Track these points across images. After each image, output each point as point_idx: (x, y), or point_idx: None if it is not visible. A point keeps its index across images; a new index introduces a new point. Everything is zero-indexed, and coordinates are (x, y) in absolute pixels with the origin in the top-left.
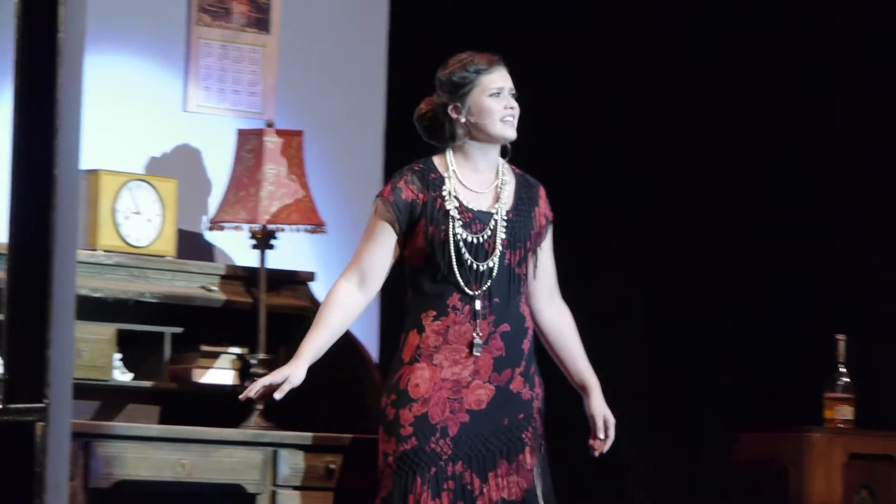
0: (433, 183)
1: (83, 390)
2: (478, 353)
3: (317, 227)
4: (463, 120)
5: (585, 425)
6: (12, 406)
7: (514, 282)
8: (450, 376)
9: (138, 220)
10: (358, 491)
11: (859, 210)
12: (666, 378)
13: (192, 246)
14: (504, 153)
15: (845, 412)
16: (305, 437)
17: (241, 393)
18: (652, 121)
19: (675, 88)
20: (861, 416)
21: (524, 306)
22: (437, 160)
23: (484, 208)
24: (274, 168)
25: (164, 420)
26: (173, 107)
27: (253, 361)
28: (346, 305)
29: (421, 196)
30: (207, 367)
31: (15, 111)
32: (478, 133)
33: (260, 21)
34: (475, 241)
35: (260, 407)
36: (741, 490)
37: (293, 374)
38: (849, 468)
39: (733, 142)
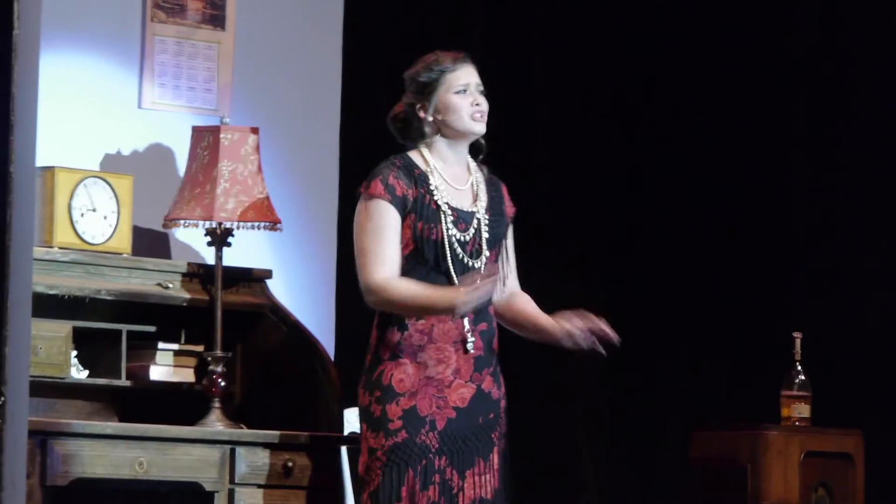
0: (419, 178)
1: (40, 388)
2: (472, 351)
3: (273, 224)
4: (430, 118)
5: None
6: None
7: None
8: (434, 375)
9: (94, 218)
10: (316, 488)
11: (815, 208)
12: (622, 377)
13: (149, 243)
14: (479, 152)
15: (802, 410)
16: (263, 434)
17: (197, 391)
18: (605, 120)
19: (630, 86)
20: (818, 413)
21: (492, 306)
22: (413, 155)
23: (465, 207)
24: (229, 165)
25: (121, 418)
26: (128, 103)
27: (209, 359)
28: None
29: (410, 192)
30: (164, 365)
31: None
32: (446, 130)
33: (215, 17)
34: (463, 239)
35: (217, 405)
36: (698, 488)
37: (458, 294)
38: (806, 466)
39: (688, 139)
